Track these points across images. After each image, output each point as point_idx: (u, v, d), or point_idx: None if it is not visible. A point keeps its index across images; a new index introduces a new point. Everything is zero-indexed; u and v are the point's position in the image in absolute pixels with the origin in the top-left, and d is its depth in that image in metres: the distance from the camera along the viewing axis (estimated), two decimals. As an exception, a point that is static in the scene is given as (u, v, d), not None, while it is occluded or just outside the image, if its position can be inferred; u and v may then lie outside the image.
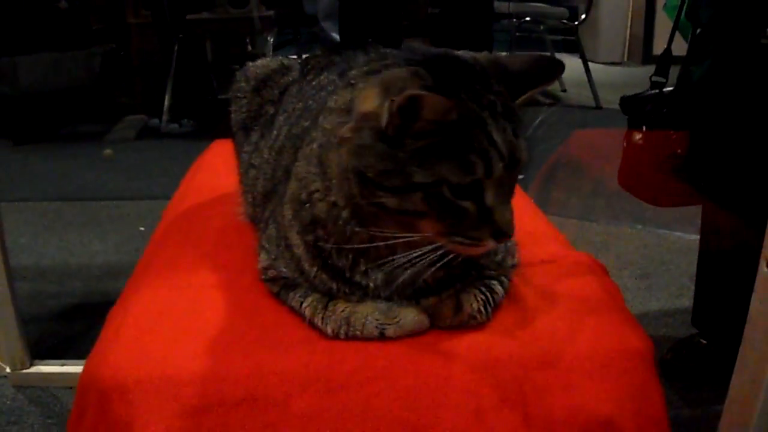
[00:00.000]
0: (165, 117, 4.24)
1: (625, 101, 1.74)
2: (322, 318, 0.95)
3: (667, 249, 2.64)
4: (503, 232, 0.87)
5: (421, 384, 0.89)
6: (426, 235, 0.87)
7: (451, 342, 0.94)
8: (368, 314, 0.94)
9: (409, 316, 0.94)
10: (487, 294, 0.98)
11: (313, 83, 1.17)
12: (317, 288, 0.98)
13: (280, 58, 1.38)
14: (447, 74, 0.86)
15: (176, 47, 4.12)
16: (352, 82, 0.91)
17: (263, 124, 1.27)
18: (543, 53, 0.95)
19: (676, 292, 2.30)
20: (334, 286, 0.96)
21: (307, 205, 0.94)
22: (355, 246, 0.92)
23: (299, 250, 0.98)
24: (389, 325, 0.93)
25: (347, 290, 0.96)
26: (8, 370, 1.81)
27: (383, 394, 0.88)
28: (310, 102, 1.12)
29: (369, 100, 0.85)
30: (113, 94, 4.70)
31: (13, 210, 3.07)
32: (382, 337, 0.94)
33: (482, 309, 0.97)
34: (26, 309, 1.93)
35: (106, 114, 4.60)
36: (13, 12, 4.02)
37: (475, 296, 0.97)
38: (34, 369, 1.82)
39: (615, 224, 2.84)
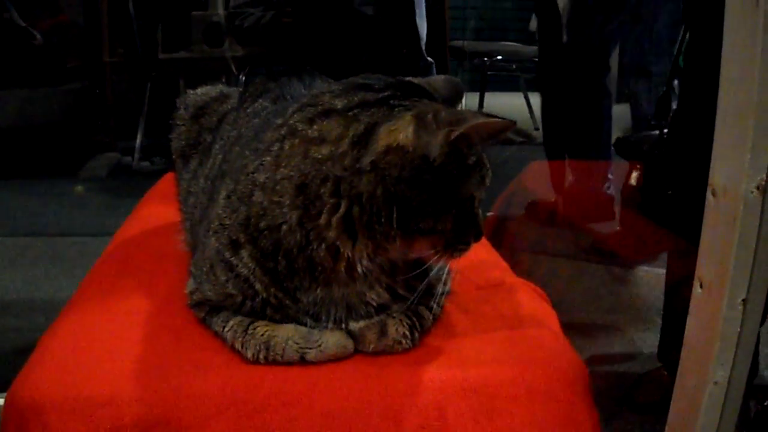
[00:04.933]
0: (137, 155, 4.23)
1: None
2: (242, 343, 0.93)
3: (634, 284, 2.64)
4: (481, 233, 0.92)
5: (339, 409, 0.88)
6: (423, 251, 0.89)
7: (373, 367, 0.93)
8: (288, 338, 0.92)
9: (331, 340, 0.93)
10: (414, 319, 0.97)
11: (248, 110, 1.17)
12: (253, 308, 0.95)
13: (221, 86, 1.39)
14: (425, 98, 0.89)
15: (149, 86, 4.14)
16: (350, 114, 0.87)
17: (201, 152, 1.26)
18: (450, 76, 0.97)
19: (642, 326, 2.29)
20: (286, 302, 0.94)
21: (266, 232, 0.90)
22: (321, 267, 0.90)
23: (245, 270, 0.93)
24: (310, 349, 0.92)
25: (288, 303, 0.94)
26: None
27: (300, 418, 0.87)
28: (244, 129, 1.11)
29: (401, 133, 0.83)
30: (86, 132, 4.68)
31: (-20, 244, 3.07)
32: (303, 361, 0.92)
33: (407, 334, 0.96)
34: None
35: (78, 151, 4.58)
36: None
37: (401, 321, 0.96)
38: (-7, 403, 1.79)
39: (582, 259, 2.83)
